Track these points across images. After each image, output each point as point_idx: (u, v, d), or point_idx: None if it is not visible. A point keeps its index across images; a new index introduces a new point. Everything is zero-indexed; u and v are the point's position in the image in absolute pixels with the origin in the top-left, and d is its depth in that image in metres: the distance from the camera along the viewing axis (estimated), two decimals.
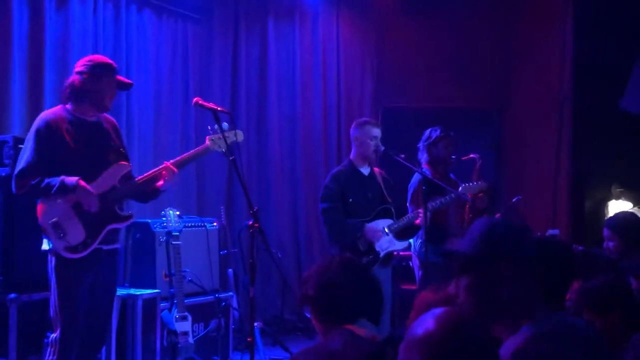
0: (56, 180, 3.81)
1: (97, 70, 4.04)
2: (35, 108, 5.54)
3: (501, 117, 8.27)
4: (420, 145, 5.62)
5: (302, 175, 7.72)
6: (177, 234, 5.09)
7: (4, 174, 4.50)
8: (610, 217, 4.82)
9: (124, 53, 6.37)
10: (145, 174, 4.17)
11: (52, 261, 3.90)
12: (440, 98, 7.90)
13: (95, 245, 3.93)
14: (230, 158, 4.10)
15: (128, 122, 6.34)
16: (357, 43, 8.13)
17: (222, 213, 6.48)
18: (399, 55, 8.09)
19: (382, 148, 5.18)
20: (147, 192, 4.27)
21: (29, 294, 4.45)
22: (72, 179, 3.84)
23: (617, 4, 7.19)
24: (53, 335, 3.88)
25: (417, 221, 5.08)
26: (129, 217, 4.16)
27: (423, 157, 5.58)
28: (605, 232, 4.16)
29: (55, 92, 5.70)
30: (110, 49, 6.26)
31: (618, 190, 7.78)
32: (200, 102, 4.25)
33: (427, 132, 5.63)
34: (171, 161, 4.19)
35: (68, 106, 4.04)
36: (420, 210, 5.02)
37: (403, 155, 5.23)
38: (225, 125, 4.15)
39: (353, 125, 5.35)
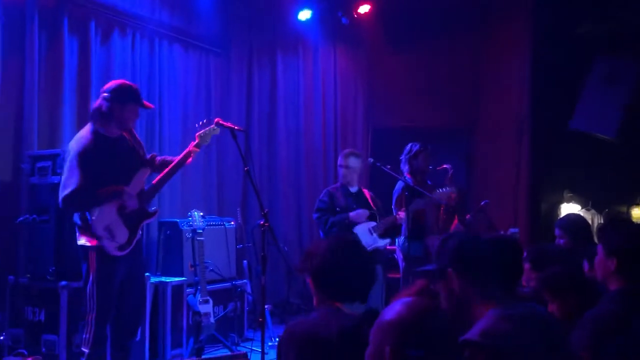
0: (104, 190, 3.79)
1: (122, 97, 3.90)
2: (83, 126, 5.50)
3: (471, 134, 8.25)
4: (403, 157, 5.62)
5: (305, 182, 7.71)
6: (201, 231, 5.10)
7: (56, 181, 4.46)
8: (561, 218, 4.80)
9: (157, 80, 6.37)
10: (164, 172, 4.11)
11: (92, 256, 3.82)
12: (420, 118, 7.88)
13: (135, 241, 3.95)
14: (245, 169, 4.10)
15: (160, 138, 6.35)
16: (351, 72, 8.13)
17: (238, 214, 6.47)
18: (387, 82, 8.09)
19: (371, 160, 5.21)
20: (173, 173, 4.19)
21: (76, 281, 4.44)
22: (118, 187, 3.84)
23: (569, 41, 7.21)
24: (89, 317, 3.83)
25: (398, 220, 5.13)
26: (155, 212, 4.15)
27: (405, 167, 5.58)
28: (557, 231, 4.14)
29: None
30: (146, 77, 6.26)
31: (569, 195, 7.76)
32: (220, 121, 4.26)
33: (408, 146, 5.62)
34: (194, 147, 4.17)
35: (94, 126, 3.91)
36: (400, 213, 5.08)
37: (389, 166, 5.25)
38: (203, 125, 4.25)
39: (340, 156, 5.53)
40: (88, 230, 3.82)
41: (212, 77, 7.17)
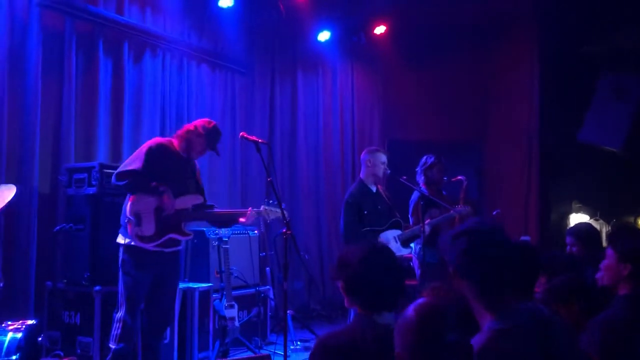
0: (155, 183, 3.96)
1: (211, 140, 4.19)
2: (116, 141, 5.58)
3: (482, 146, 8.21)
4: (418, 169, 5.57)
5: (324, 193, 7.69)
6: (226, 239, 5.08)
7: (91, 192, 4.51)
8: (572, 226, 4.72)
9: (185, 98, 6.40)
10: (227, 210, 4.50)
11: (122, 253, 3.94)
12: (434, 132, 7.87)
13: (157, 243, 3.96)
14: (268, 179, 4.10)
15: None
16: (368, 89, 8.14)
17: (261, 223, 6.45)
18: (401, 98, 8.09)
19: (389, 171, 5.15)
20: (222, 222, 4.48)
21: (109, 286, 4.45)
22: (164, 187, 3.97)
23: (576, 56, 7.16)
24: (118, 314, 3.89)
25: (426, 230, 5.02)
26: (188, 234, 4.17)
27: (420, 178, 5.52)
28: (568, 239, 4.06)
29: (132, 128, 5.78)
30: (175, 95, 6.30)
31: (577, 205, 7.67)
32: (245, 135, 4.26)
33: (424, 158, 5.58)
34: (254, 209, 4.28)
35: (174, 141, 4.19)
36: (427, 224, 4.99)
37: (405, 177, 5.20)
38: (272, 204, 4.30)
39: (365, 151, 5.31)
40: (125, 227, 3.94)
41: (237, 95, 7.19)
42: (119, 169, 4.01)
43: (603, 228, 7.41)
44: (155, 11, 6.12)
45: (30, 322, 3.80)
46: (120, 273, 3.94)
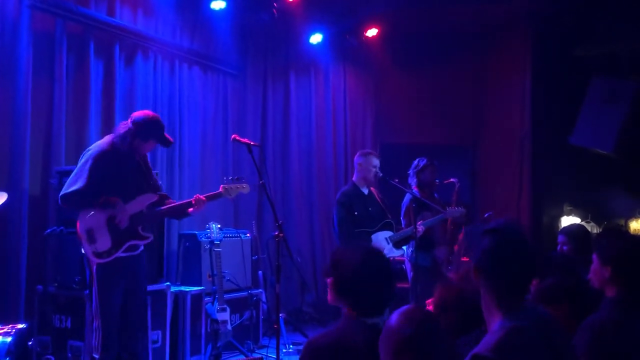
0: (101, 199, 3.82)
1: (146, 133, 3.93)
2: None
3: (475, 151, 8.24)
4: (410, 172, 5.61)
5: (316, 196, 7.69)
6: (218, 242, 5.09)
7: None
8: (565, 226, 4.77)
9: (177, 101, 6.40)
10: (172, 204, 4.13)
11: (93, 265, 3.85)
12: (427, 135, 7.90)
13: (117, 254, 3.87)
14: (261, 182, 4.11)
15: (180, 154, 6.35)
16: (360, 92, 8.16)
17: (253, 226, 6.46)
18: (393, 101, 8.12)
19: (381, 174, 5.18)
20: (178, 215, 4.30)
21: None
22: (114, 198, 3.84)
23: (568, 59, 7.22)
24: (95, 324, 3.83)
25: (417, 234, 5.01)
26: (147, 237, 4.02)
27: (413, 181, 5.57)
28: (561, 237, 4.10)
29: None
30: (167, 98, 6.29)
31: (569, 208, 7.71)
32: (237, 138, 4.27)
33: (416, 161, 5.62)
34: (202, 195, 4.11)
35: (115, 141, 3.93)
36: (419, 225, 5.01)
37: (397, 180, 5.24)
38: (235, 181, 4.18)
39: (358, 154, 5.36)
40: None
41: (229, 98, 7.19)
42: (63, 191, 3.84)
43: (594, 230, 7.46)
44: (147, 13, 6.11)
45: (20, 326, 3.79)
46: (95, 286, 3.83)
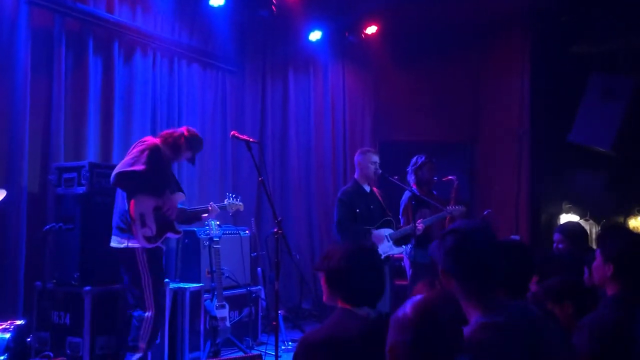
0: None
1: (193, 146, 4.37)
2: (106, 140, 5.56)
3: (473, 148, 8.24)
4: (409, 169, 5.59)
5: (315, 193, 7.69)
6: (217, 239, 5.08)
7: (81, 192, 4.48)
8: (562, 224, 4.76)
9: (176, 98, 6.39)
10: (196, 208, 4.67)
11: (142, 257, 4.03)
12: (425, 133, 7.90)
13: (158, 244, 4.14)
14: (260, 179, 4.11)
15: None
16: (359, 89, 8.15)
17: (252, 223, 6.46)
18: (392, 99, 8.12)
19: (380, 171, 5.17)
20: (191, 220, 4.69)
21: (99, 286, 4.44)
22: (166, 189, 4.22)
23: (566, 59, 7.21)
24: (148, 314, 4.01)
25: (417, 231, 5.02)
26: (180, 232, 4.45)
27: (411, 178, 5.55)
28: (556, 235, 4.10)
29: (122, 128, 5.76)
30: (166, 94, 6.28)
31: (567, 205, 7.71)
32: (236, 134, 4.28)
33: (414, 159, 5.60)
34: (215, 204, 4.67)
35: (159, 142, 4.25)
36: (419, 223, 5.01)
37: (396, 177, 5.23)
38: (235, 199, 4.91)
39: (357, 153, 5.35)
40: (130, 229, 4.02)
41: (228, 94, 7.18)
42: (120, 169, 4.01)
43: (593, 228, 7.47)
44: (146, 10, 6.09)
45: (19, 322, 3.78)
46: (146, 274, 4.04)
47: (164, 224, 4.16)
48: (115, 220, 4.13)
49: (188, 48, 6.57)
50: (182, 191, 4.47)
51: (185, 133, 4.33)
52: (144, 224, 4.02)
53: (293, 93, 7.71)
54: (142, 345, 3.97)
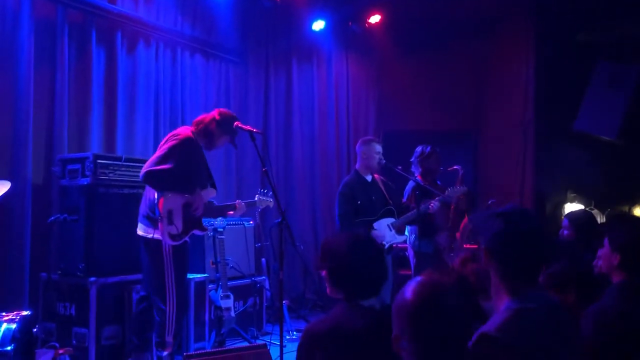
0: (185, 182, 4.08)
1: (226, 127, 4.21)
2: (110, 131, 5.56)
3: (477, 137, 8.20)
4: (414, 159, 5.54)
5: (319, 184, 7.69)
6: (222, 230, 5.09)
7: (85, 183, 4.50)
8: (571, 211, 4.76)
9: (179, 88, 6.38)
10: (223, 204, 4.61)
11: (167, 250, 4.01)
12: (430, 122, 7.87)
13: (184, 240, 4.12)
14: (263, 169, 4.10)
15: None
16: (363, 79, 8.12)
17: (256, 214, 6.46)
18: (396, 88, 8.08)
19: (384, 161, 5.16)
20: (215, 215, 4.73)
21: (104, 277, 4.46)
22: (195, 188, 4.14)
23: (571, 47, 7.16)
24: (170, 309, 4.00)
25: (431, 209, 5.00)
26: (206, 229, 4.38)
27: (417, 169, 5.50)
28: (565, 221, 4.10)
29: (126, 119, 5.75)
30: (169, 85, 6.27)
31: (572, 195, 7.69)
32: (239, 125, 4.25)
33: (419, 149, 5.55)
34: (242, 202, 4.62)
35: (192, 131, 4.16)
36: (432, 202, 4.97)
37: (400, 167, 5.21)
38: (266, 195, 4.84)
39: (360, 142, 5.33)
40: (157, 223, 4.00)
41: (231, 85, 7.17)
42: (150, 167, 3.96)
43: (598, 217, 7.45)
44: (148, 0, 6.07)
45: (24, 313, 3.79)
46: (168, 271, 4.01)
47: (191, 221, 4.12)
48: (144, 209, 4.11)
49: (191, 38, 6.55)
50: (214, 186, 4.37)
51: (217, 117, 4.20)
52: (170, 222, 3.98)
53: (296, 83, 7.68)
54: (170, 339, 3.99)
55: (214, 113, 4.25)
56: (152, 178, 3.95)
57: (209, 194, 4.30)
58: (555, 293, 2.68)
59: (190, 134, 4.13)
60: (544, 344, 1.78)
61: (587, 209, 7.44)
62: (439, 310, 1.53)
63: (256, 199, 4.80)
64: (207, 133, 4.19)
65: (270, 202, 4.84)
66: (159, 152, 4.03)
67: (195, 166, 4.13)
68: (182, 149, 4.01)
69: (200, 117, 4.27)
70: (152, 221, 4.02)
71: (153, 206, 4.03)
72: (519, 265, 1.91)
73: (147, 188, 4.15)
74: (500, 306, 1.86)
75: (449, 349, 1.53)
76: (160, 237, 4.00)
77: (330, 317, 2.23)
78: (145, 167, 3.98)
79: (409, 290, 1.58)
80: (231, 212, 4.52)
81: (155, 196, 4.01)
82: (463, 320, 1.57)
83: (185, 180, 4.05)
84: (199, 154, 4.19)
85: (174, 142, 4.03)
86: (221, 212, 4.61)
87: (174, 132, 4.19)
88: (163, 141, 4.14)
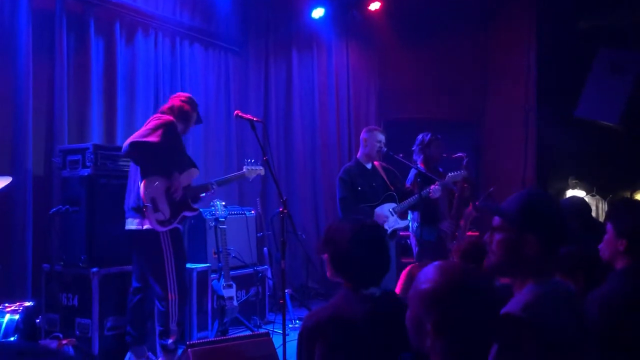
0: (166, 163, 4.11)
1: (194, 104, 4.41)
2: (110, 122, 5.54)
3: (479, 125, 8.18)
4: (415, 147, 5.53)
5: (320, 172, 7.67)
6: (223, 220, 5.08)
7: (86, 174, 4.48)
8: (565, 198, 4.73)
9: (179, 78, 6.35)
10: (200, 184, 4.49)
11: (166, 236, 4.04)
12: (431, 111, 7.83)
13: (175, 225, 4.13)
14: (264, 158, 4.09)
15: None
16: (363, 68, 8.08)
17: (258, 203, 6.45)
18: (397, 77, 8.04)
19: (385, 149, 5.14)
20: (192, 195, 4.52)
21: (106, 268, 4.45)
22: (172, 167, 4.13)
23: (572, 34, 7.12)
24: (172, 297, 4.03)
25: (432, 194, 4.97)
26: (196, 210, 4.37)
27: (419, 157, 5.48)
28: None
29: (126, 109, 5.73)
30: (168, 75, 6.24)
31: (574, 181, 7.67)
32: (239, 114, 4.24)
33: (420, 136, 5.54)
34: (216, 180, 4.58)
35: (173, 118, 4.23)
36: (432, 187, 4.95)
37: (401, 155, 5.19)
38: (253, 163, 4.80)
39: (364, 130, 5.31)
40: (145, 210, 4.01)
41: (231, 74, 7.13)
42: (135, 139, 3.99)
43: (599, 204, 7.43)
44: None
45: (27, 304, 3.80)
46: (168, 260, 4.04)
47: (178, 204, 4.14)
48: (132, 201, 4.10)
49: (190, 28, 6.51)
50: (195, 166, 4.39)
51: (183, 97, 4.35)
52: (156, 209, 4.00)
53: (297, 72, 7.64)
54: (174, 327, 4.02)
55: (177, 98, 4.37)
56: (137, 148, 3.96)
57: (192, 174, 4.34)
58: (563, 277, 2.67)
59: (172, 118, 4.21)
60: (566, 327, 1.77)
61: (589, 195, 7.43)
62: (470, 293, 1.50)
63: (244, 170, 4.78)
64: (185, 116, 4.31)
65: (260, 170, 4.84)
66: (144, 128, 4.08)
67: (177, 149, 4.20)
68: (168, 128, 4.08)
69: (167, 105, 4.34)
70: (142, 212, 4.04)
71: (139, 197, 4.04)
72: (555, 243, 1.85)
73: (131, 179, 4.15)
74: (522, 288, 1.83)
75: (480, 333, 1.51)
76: (152, 228, 4.02)
77: (330, 304, 2.23)
78: (130, 139, 4.01)
79: (431, 276, 1.54)
80: (202, 195, 4.47)
81: (140, 184, 4.04)
82: (493, 302, 1.54)
83: (165, 160, 4.08)
84: (179, 138, 4.28)
85: (159, 122, 4.10)
86: (195, 195, 4.44)
87: (157, 114, 4.27)
88: (148, 121, 4.21)
